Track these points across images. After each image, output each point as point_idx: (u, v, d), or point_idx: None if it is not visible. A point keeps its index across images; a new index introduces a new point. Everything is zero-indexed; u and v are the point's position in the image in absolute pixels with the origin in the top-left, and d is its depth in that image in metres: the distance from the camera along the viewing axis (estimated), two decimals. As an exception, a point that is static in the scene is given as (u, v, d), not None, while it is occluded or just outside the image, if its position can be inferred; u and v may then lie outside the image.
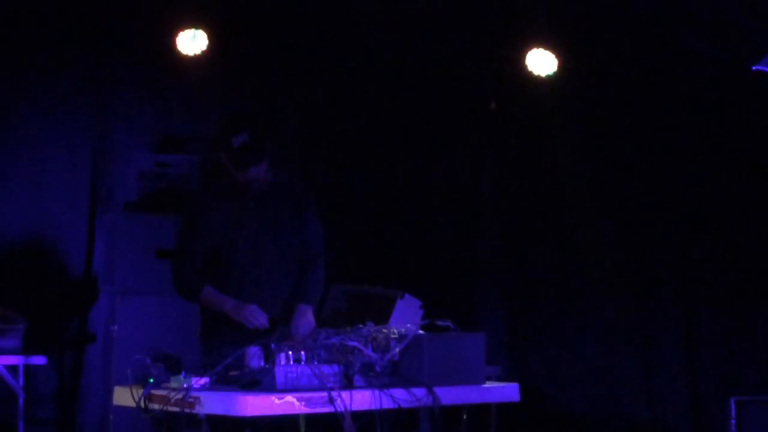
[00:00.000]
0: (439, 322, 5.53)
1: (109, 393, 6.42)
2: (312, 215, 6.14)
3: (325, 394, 4.98)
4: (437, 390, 5.24)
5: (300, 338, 5.61)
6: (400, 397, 5.17)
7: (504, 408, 5.68)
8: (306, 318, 5.91)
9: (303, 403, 4.94)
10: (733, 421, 7.21)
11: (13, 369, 7.20)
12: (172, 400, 5.03)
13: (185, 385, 5.06)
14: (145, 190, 8.01)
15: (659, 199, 8.23)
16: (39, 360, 7.27)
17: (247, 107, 8.32)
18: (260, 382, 5.04)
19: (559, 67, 8.13)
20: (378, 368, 5.22)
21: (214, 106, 8.16)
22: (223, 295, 5.87)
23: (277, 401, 4.90)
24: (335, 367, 5.13)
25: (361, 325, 5.39)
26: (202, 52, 7.78)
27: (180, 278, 5.97)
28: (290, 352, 5.08)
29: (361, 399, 5.09)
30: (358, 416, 5.07)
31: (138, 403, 5.16)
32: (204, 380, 5.15)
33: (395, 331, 5.34)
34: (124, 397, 5.32)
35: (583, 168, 8.45)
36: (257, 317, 5.79)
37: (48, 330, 7.62)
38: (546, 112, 8.46)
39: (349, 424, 4.99)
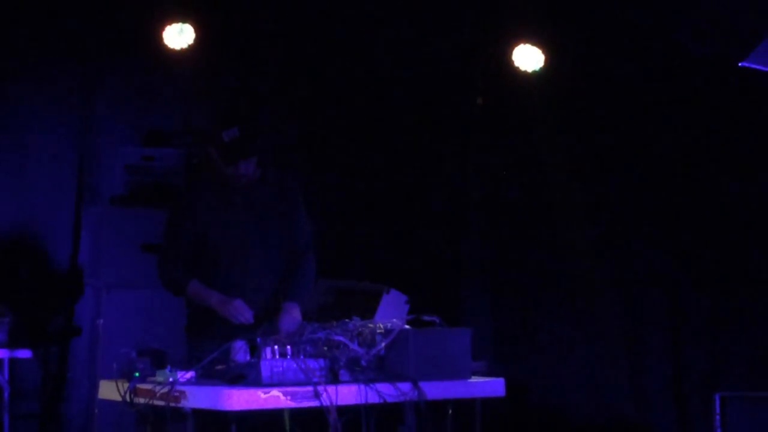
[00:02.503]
0: (425, 317, 5.52)
1: (95, 387, 6.43)
2: (299, 211, 6.14)
3: (310, 388, 4.97)
4: (423, 385, 5.24)
5: (285, 335, 5.58)
6: (386, 391, 5.17)
7: (489, 403, 5.67)
8: (291, 315, 5.90)
9: (289, 397, 4.94)
10: (717, 417, 7.24)
11: (-3, 362, 7.23)
12: (158, 394, 5.02)
13: (171, 379, 5.05)
14: (131, 184, 8.01)
15: (645, 194, 8.23)
16: (24, 354, 7.29)
17: (234, 101, 8.31)
18: (246, 377, 5.04)
19: (546, 62, 8.14)
20: (364, 363, 5.22)
21: (201, 100, 8.15)
22: (209, 290, 5.87)
23: (262, 395, 4.90)
24: (321, 362, 5.12)
25: (347, 320, 5.40)
26: (189, 46, 7.79)
27: (166, 272, 5.97)
28: (276, 347, 5.08)
29: (347, 393, 5.09)
30: (343, 411, 5.07)
31: (123, 397, 5.16)
32: (190, 374, 5.14)
33: (381, 326, 5.34)
34: (109, 390, 5.32)
35: (569, 164, 8.45)
36: (243, 312, 5.79)
37: (33, 324, 7.61)
38: (532, 108, 8.46)
39: (334, 419, 4.99)
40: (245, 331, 5.50)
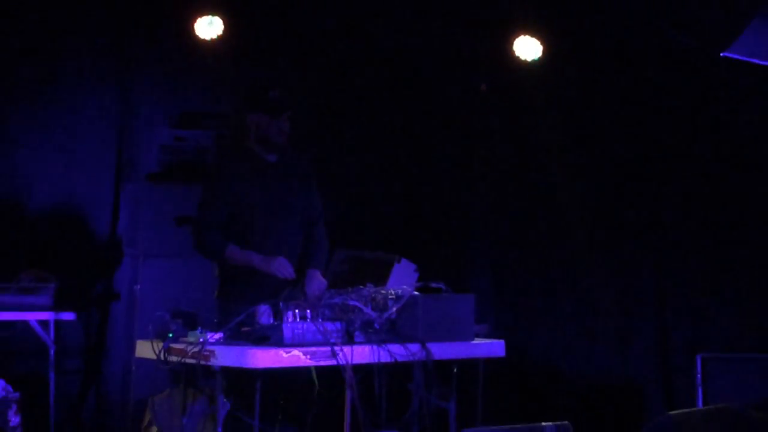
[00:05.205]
0: (433, 284, 5.58)
1: (132, 346, 6.46)
2: (313, 183, 6.25)
3: (328, 348, 5.03)
4: (430, 345, 5.30)
5: (314, 298, 5.64)
6: (397, 351, 5.22)
7: (491, 362, 5.72)
8: (318, 280, 5.97)
9: (308, 356, 5.00)
10: (699, 376, 7.21)
11: (44, 324, 7.21)
12: (189, 353, 5.09)
13: (201, 340, 5.10)
14: (165, 162, 8.00)
15: (635, 167, 8.19)
16: (68, 316, 7.28)
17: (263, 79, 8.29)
18: (269, 338, 5.09)
19: (544, 52, 8.13)
20: (377, 325, 5.28)
21: (229, 86, 8.13)
22: (249, 251, 5.91)
23: (284, 355, 4.95)
24: (338, 325, 5.17)
25: (361, 287, 5.46)
26: (218, 37, 7.75)
27: (203, 238, 5.98)
28: (297, 311, 5.12)
29: (361, 353, 5.15)
30: (358, 369, 5.14)
31: (158, 356, 5.23)
32: (218, 335, 5.19)
33: (392, 292, 5.40)
34: (145, 350, 5.40)
35: (565, 145, 8.41)
36: (287, 267, 5.85)
37: (77, 289, 7.58)
38: (531, 95, 8.42)
39: (350, 376, 5.06)
40: (269, 297, 5.49)
